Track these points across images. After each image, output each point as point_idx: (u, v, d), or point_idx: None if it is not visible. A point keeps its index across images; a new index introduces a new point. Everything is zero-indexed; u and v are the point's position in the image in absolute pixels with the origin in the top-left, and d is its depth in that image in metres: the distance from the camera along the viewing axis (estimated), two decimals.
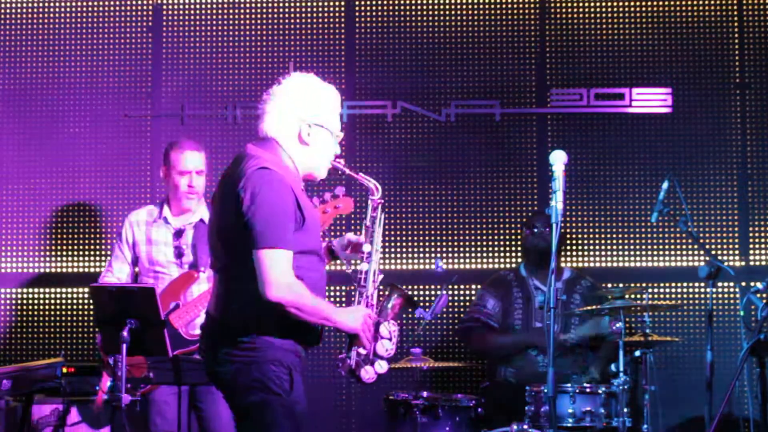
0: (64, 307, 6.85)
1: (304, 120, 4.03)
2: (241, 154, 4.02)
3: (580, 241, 6.87)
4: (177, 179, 5.57)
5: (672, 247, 6.82)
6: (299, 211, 3.90)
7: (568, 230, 6.81)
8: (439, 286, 6.62)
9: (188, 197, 5.58)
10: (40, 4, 7.00)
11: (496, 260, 6.85)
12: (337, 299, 6.69)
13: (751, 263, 6.80)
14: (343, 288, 6.67)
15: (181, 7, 7.01)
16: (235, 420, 3.99)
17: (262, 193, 3.83)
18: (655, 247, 6.83)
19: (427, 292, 6.82)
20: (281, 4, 7.01)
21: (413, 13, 6.99)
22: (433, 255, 6.85)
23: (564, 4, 6.97)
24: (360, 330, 4.00)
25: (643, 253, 6.84)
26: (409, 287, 6.77)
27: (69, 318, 6.84)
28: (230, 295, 3.91)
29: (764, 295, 5.44)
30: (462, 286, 6.83)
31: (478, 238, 6.87)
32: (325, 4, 7.00)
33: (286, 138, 4.03)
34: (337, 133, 4.11)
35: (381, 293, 4.16)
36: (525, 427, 5.48)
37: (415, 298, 6.66)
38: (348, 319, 3.99)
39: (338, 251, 4.29)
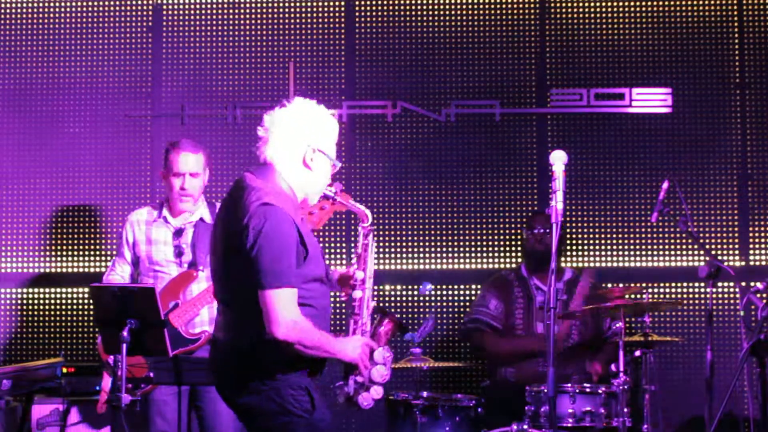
0: (64, 307, 6.85)
1: (309, 144, 4.05)
2: (240, 183, 4.02)
3: (580, 241, 6.87)
4: (172, 180, 5.58)
5: (672, 247, 6.82)
6: (302, 244, 3.92)
7: (568, 230, 6.80)
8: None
9: (182, 199, 5.58)
10: (40, 4, 7.00)
11: (496, 260, 6.85)
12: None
13: (751, 263, 6.80)
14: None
15: (181, 7, 7.01)
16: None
17: (266, 232, 3.84)
18: (655, 247, 6.83)
19: (432, 291, 6.82)
20: (281, 4, 7.01)
21: (413, 13, 6.99)
22: (432, 255, 6.85)
23: (564, 4, 6.97)
24: (359, 360, 4.04)
25: (643, 253, 6.84)
26: (409, 287, 6.78)
27: (69, 318, 6.84)
28: (241, 326, 3.93)
29: (764, 295, 5.43)
30: (462, 286, 6.83)
31: (478, 238, 6.87)
32: (325, 4, 7.00)
33: (288, 161, 4.04)
34: (334, 162, 4.13)
35: (372, 319, 4.18)
36: (525, 427, 5.48)
37: (404, 316, 6.67)
38: (347, 349, 4.02)
39: (332, 284, 4.30)
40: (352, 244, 6.81)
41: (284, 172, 4.03)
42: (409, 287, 6.78)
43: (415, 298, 6.81)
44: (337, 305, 6.16)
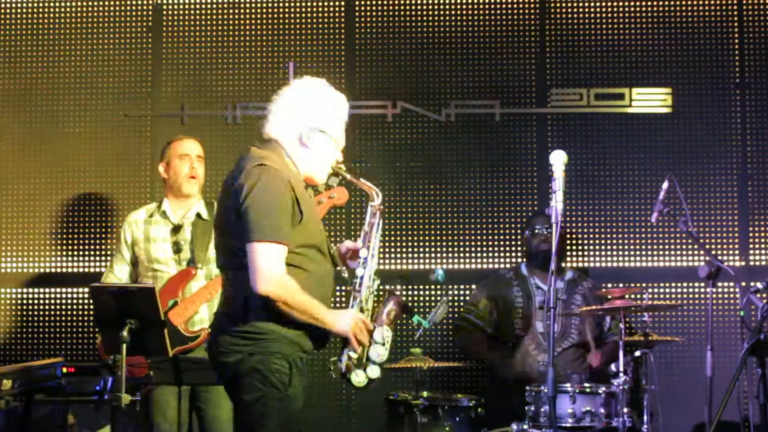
0: (64, 307, 6.85)
1: (305, 124, 4.14)
2: (244, 155, 4.13)
3: (580, 241, 6.87)
4: (177, 164, 5.62)
5: (672, 247, 6.82)
6: (297, 207, 3.99)
7: (568, 230, 6.80)
8: (438, 292, 6.66)
9: (189, 181, 5.61)
10: (40, 4, 7.00)
11: (496, 260, 6.85)
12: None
13: (751, 263, 6.80)
14: (343, 288, 6.68)
15: (181, 7, 7.01)
16: (233, 408, 4.07)
17: (258, 188, 3.95)
18: (655, 247, 6.83)
19: (426, 292, 6.83)
20: (281, 4, 7.01)
21: (413, 13, 6.99)
22: (433, 255, 6.84)
23: (564, 4, 6.97)
24: (350, 333, 4.07)
25: (643, 253, 6.84)
26: (409, 287, 6.78)
27: (69, 318, 6.84)
28: (238, 288, 4.00)
29: (764, 295, 5.43)
30: (462, 286, 6.83)
31: (478, 238, 6.87)
32: (325, 4, 7.00)
33: (287, 140, 4.15)
34: (338, 139, 4.21)
35: (379, 298, 4.22)
36: (525, 427, 5.48)
37: (411, 304, 6.66)
38: (337, 320, 4.06)
39: (339, 259, 4.35)
40: (352, 235, 6.80)
41: (287, 148, 4.14)
42: (410, 287, 6.78)
43: (413, 298, 6.81)
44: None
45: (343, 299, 4.30)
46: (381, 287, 4.26)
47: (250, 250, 3.90)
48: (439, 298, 5.92)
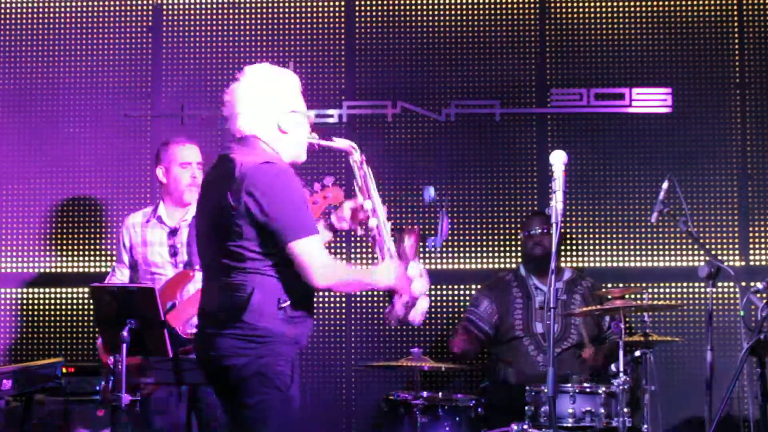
0: (64, 307, 6.85)
1: (278, 110, 4.09)
2: (225, 155, 4.05)
3: (580, 241, 6.87)
4: (178, 172, 5.59)
5: (672, 247, 6.82)
6: None
7: (568, 230, 6.81)
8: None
9: (191, 190, 5.60)
10: (40, 4, 7.00)
11: (496, 260, 6.85)
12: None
13: (751, 263, 6.80)
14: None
15: (181, 7, 7.01)
16: (229, 411, 4.03)
17: (276, 187, 3.91)
18: (655, 247, 6.83)
19: (431, 291, 6.80)
20: (281, 4, 7.01)
21: (413, 13, 6.99)
22: (432, 254, 6.84)
23: (564, 4, 6.97)
24: (396, 284, 4.12)
25: (643, 253, 6.84)
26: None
27: (69, 318, 6.84)
28: (239, 289, 3.94)
29: (764, 295, 5.43)
30: (462, 286, 6.83)
31: (478, 238, 6.87)
32: (325, 4, 7.00)
33: (265, 132, 4.09)
34: (306, 113, 4.17)
35: (393, 240, 4.22)
36: (525, 427, 5.48)
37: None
38: (383, 278, 4.11)
39: (341, 223, 4.34)
40: (353, 247, 6.82)
41: (268, 140, 4.08)
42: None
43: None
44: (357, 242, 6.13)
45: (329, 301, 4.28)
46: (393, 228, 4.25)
47: (294, 251, 3.88)
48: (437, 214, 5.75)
